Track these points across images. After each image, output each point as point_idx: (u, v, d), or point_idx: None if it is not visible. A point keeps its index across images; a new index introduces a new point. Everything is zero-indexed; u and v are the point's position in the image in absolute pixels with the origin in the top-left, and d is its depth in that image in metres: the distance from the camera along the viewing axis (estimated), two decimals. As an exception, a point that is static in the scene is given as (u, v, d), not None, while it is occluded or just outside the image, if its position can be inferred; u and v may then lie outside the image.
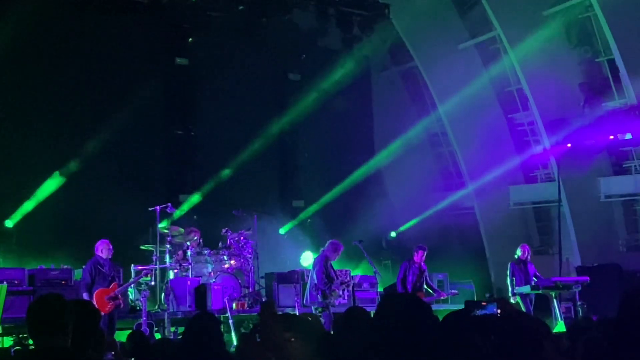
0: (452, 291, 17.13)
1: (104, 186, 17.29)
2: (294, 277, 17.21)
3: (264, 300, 15.50)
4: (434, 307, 16.95)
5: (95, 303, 12.86)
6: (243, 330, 13.95)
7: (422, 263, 15.40)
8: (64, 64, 17.35)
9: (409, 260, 15.38)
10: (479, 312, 5.45)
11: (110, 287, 13.54)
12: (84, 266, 13.63)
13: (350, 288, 15.10)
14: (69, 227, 16.68)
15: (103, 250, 13.69)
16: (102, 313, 13.07)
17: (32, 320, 4.60)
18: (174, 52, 19.12)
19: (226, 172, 19.07)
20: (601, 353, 5.48)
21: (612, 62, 19.42)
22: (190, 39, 19.21)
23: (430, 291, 15.43)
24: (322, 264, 13.95)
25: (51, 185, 16.78)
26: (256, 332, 4.11)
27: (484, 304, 5.44)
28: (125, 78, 17.87)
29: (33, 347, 4.75)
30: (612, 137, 18.90)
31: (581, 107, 20.32)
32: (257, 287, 16.96)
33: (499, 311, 5.29)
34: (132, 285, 15.22)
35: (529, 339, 4.71)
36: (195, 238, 16.09)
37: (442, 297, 15.98)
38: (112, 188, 17.28)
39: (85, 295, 13.00)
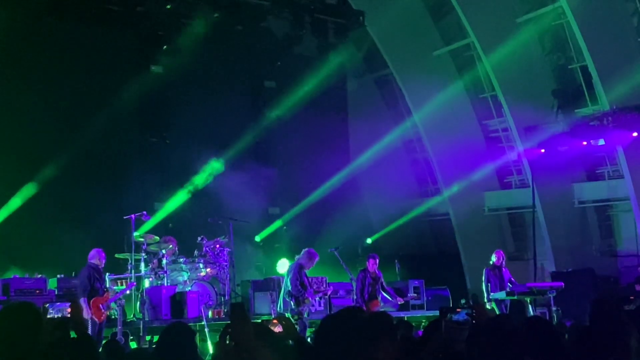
0: (411, 295, 17.15)
1: (78, 194, 17.17)
2: (270, 284, 17.17)
3: (233, 302, 15.40)
4: (409, 313, 17.03)
5: (91, 310, 12.82)
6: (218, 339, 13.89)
7: (377, 271, 15.34)
8: (39, 72, 17.25)
9: (364, 270, 15.33)
10: (453, 318, 5.45)
11: (104, 295, 13.43)
12: (81, 272, 13.30)
13: (327, 296, 15.08)
14: (42, 235, 16.55)
15: (99, 258, 13.57)
16: (97, 321, 13.03)
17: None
18: (149, 60, 19.04)
19: (201, 180, 19.01)
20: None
21: (585, 69, 19.61)
22: (165, 47, 19.12)
23: (388, 297, 15.36)
24: (297, 271, 13.95)
25: (25, 193, 16.65)
26: (226, 335, 4.10)
27: (458, 310, 5.44)
28: (100, 86, 17.80)
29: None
30: (585, 143, 19.06)
31: (555, 113, 20.50)
32: (233, 295, 16.91)
33: (472, 320, 5.30)
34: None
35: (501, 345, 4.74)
36: (171, 247, 16.00)
37: (400, 302, 15.93)
38: (87, 196, 17.17)
39: (83, 301, 12.80)
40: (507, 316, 8.16)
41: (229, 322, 4.40)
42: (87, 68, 17.84)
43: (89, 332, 12.31)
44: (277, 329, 5.83)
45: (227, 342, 4.13)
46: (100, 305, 13.19)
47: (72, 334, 6.18)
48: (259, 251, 20.25)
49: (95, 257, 13.50)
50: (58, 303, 13.30)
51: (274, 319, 8.66)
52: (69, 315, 8.13)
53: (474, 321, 5.27)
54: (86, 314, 12.63)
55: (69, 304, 6.25)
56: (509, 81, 20.35)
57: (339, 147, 22.70)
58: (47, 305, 6.05)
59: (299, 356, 5.42)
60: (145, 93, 18.73)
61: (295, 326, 6.38)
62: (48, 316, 6.22)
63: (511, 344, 4.68)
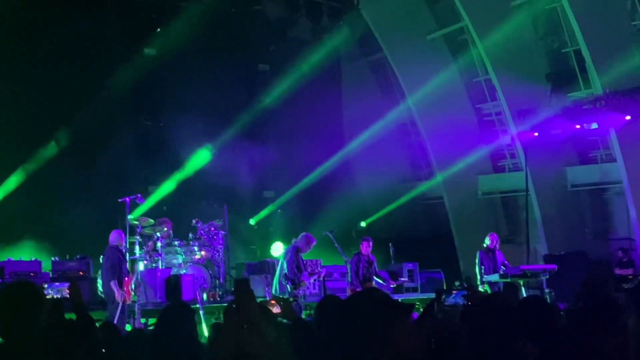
0: (402, 279, 17.22)
1: (72, 178, 17.16)
2: (265, 267, 17.25)
3: (237, 278, 15.45)
4: (403, 296, 17.11)
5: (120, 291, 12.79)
6: (214, 321, 13.94)
7: (370, 255, 15.39)
8: (32, 55, 17.19)
9: (358, 253, 15.38)
10: (448, 300, 5.51)
11: (129, 277, 13.45)
12: (107, 255, 13.13)
13: (321, 278, 15.15)
14: (37, 219, 16.55)
15: (120, 240, 13.54)
16: (126, 302, 13.03)
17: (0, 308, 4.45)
18: (143, 42, 18.98)
19: (195, 163, 19.03)
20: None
21: (578, 53, 19.59)
22: (159, 30, 19.07)
23: (381, 281, 15.43)
24: (293, 254, 14.03)
25: (19, 176, 16.64)
26: (231, 312, 4.11)
27: (454, 292, 5.51)
28: (93, 69, 17.75)
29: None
30: (578, 127, 19.09)
31: (548, 97, 20.51)
32: (227, 278, 16.96)
33: (467, 302, 5.35)
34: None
35: (498, 325, 4.77)
36: (166, 229, 16.00)
37: (392, 286, 15.97)
38: (81, 179, 17.17)
39: (114, 284, 12.81)
40: (500, 295, 8.18)
41: (231, 300, 4.41)
42: (80, 51, 17.75)
43: (118, 313, 12.44)
44: (275, 309, 5.87)
45: (232, 319, 4.15)
46: (128, 287, 13.21)
47: (68, 316, 6.20)
48: (254, 234, 20.30)
49: (117, 239, 13.47)
50: (57, 283, 13.40)
51: (271, 299, 8.71)
52: (65, 296, 8.14)
53: (468, 302, 5.30)
54: (118, 296, 12.64)
55: (68, 284, 6.24)
56: (503, 65, 20.34)
57: (333, 131, 22.72)
58: (45, 285, 6.01)
59: (296, 336, 5.46)
60: (138, 76, 18.66)
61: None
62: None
63: (505, 323, 4.71)
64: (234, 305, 4.10)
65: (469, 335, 4.82)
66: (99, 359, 6.20)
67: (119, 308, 12.52)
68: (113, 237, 13.43)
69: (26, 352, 4.36)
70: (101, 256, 15.49)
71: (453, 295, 5.69)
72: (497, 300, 5.10)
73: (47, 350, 4.54)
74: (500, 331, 4.64)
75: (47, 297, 6.91)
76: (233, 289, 5.00)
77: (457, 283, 18.15)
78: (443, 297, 5.52)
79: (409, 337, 3.56)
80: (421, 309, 8.41)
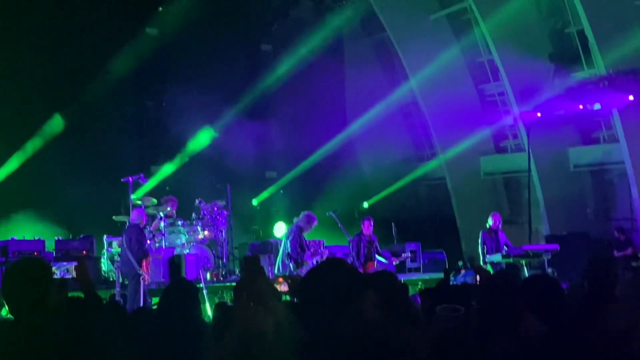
0: (404, 255, 17.20)
1: (75, 157, 17.18)
2: (268, 247, 17.28)
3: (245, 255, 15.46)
4: (406, 276, 17.12)
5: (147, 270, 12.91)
6: (218, 300, 13.99)
7: (371, 234, 15.41)
8: (33, 34, 17.12)
9: (359, 233, 15.39)
10: (456, 280, 5.52)
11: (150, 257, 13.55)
12: (132, 235, 13.19)
13: (324, 258, 15.17)
14: (40, 198, 16.58)
15: (142, 219, 13.60)
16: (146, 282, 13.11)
17: (10, 284, 4.44)
18: (144, 21, 18.91)
19: (198, 143, 19.02)
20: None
21: (581, 33, 19.52)
22: (160, 8, 19.00)
23: (383, 260, 15.45)
24: (296, 234, 14.07)
25: (21, 156, 16.65)
26: (241, 289, 4.11)
27: (462, 271, 5.53)
28: (95, 49, 17.68)
29: (7, 316, 4.63)
30: (581, 107, 19.07)
31: (551, 77, 20.47)
32: (231, 258, 17.00)
33: (477, 278, 5.38)
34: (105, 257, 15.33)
35: (509, 303, 4.80)
36: (170, 209, 16.01)
37: (395, 263, 15.97)
38: (84, 159, 17.19)
39: (144, 264, 12.91)
40: (507, 273, 8.21)
41: (229, 285, 4.42)
42: (82, 31, 17.70)
43: (141, 291, 12.53)
44: (283, 287, 5.90)
45: (241, 296, 4.16)
46: (150, 266, 13.30)
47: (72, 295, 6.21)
48: (256, 215, 20.32)
49: (139, 217, 13.54)
50: (64, 262, 13.44)
51: (279, 277, 8.74)
52: (70, 275, 8.14)
53: (479, 280, 5.33)
54: (146, 275, 12.73)
55: (75, 263, 6.24)
56: (506, 45, 20.26)
57: (335, 111, 22.69)
58: (51, 263, 6.00)
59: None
60: (140, 55, 18.62)
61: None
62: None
63: (512, 300, 4.75)
64: (244, 282, 4.11)
65: (479, 312, 4.84)
66: (106, 338, 6.20)
67: (142, 286, 12.64)
68: (134, 216, 13.56)
69: (37, 330, 4.36)
70: (106, 236, 15.65)
71: (462, 274, 5.71)
72: (505, 278, 5.14)
73: (57, 328, 4.55)
74: (508, 307, 4.68)
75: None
76: (243, 265, 5.01)
77: (460, 263, 18.15)
78: (451, 276, 5.53)
79: (374, 309, 3.61)
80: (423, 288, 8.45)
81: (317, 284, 3.68)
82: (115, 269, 14.01)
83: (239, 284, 4.29)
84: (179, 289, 6.21)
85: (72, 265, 13.24)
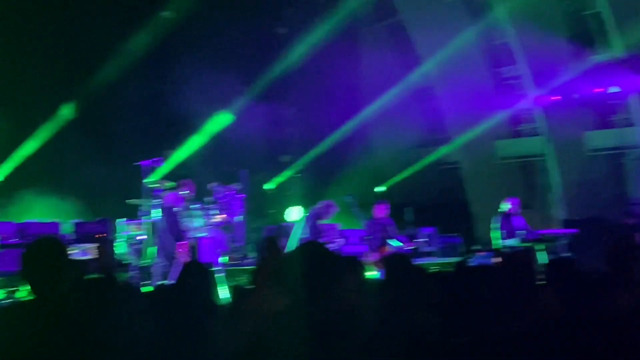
0: (419, 240, 17.12)
1: (91, 140, 17.19)
2: (282, 231, 17.28)
3: (266, 236, 15.47)
4: (422, 260, 17.08)
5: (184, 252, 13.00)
6: (233, 284, 14.01)
7: (387, 218, 15.34)
8: (48, 16, 17.10)
9: (373, 218, 15.32)
10: (475, 261, 5.49)
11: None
12: (170, 218, 13.31)
13: (338, 247, 15.18)
14: (56, 181, 16.63)
15: (176, 201, 13.69)
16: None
17: (29, 264, 4.49)
18: (159, 4, 18.86)
19: (213, 127, 19.02)
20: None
21: (598, 15, 19.37)
22: (175, -9, 18.97)
23: (398, 243, 15.36)
24: (314, 220, 14.05)
25: (37, 139, 16.70)
26: (260, 270, 4.09)
27: (482, 253, 5.51)
28: (110, 32, 17.64)
29: (26, 297, 4.64)
30: (598, 90, 18.95)
31: (567, 60, 20.32)
32: (246, 242, 17.01)
33: (496, 260, 5.37)
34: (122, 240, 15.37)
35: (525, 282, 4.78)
36: (188, 192, 15.98)
37: (411, 247, 15.87)
38: (100, 142, 17.22)
39: (181, 246, 13.00)
40: (523, 252, 8.18)
41: (244, 269, 4.41)
42: (95, 13, 17.66)
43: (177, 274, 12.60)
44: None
45: (263, 277, 4.14)
46: (184, 248, 13.38)
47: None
48: (270, 199, 20.33)
49: (174, 200, 13.63)
50: (85, 244, 13.52)
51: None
52: (89, 256, 8.18)
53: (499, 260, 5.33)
54: (183, 256, 12.81)
55: (97, 245, 6.27)
56: (522, 28, 20.13)
57: (349, 95, 22.60)
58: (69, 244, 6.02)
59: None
60: (155, 39, 18.60)
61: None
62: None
63: (529, 278, 4.74)
64: (262, 263, 4.10)
65: (493, 292, 4.83)
66: (121, 318, 6.21)
67: (176, 267, 12.70)
68: (169, 198, 13.58)
69: (55, 309, 4.39)
70: (122, 219, 15.67)
71: (480, 255, 5.67)
72: (521, 258, 5.14)
73: (74, 308, 4.56)
74: (523, 287, 4.67)
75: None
76: (261, 247, 5.00)
77: (475, 247, 18.12)
78: (469, 258, 5.52)
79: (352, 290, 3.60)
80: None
81: (292, 269, 3.66)
82: (132, 251, 14.02)
83: (258, 265, 4.28)
84: (192, 270, 6.22)
85: (90, 246, 13.31)
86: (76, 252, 13.65)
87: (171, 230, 13.15)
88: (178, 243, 13.00)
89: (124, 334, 5.32)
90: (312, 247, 3.89)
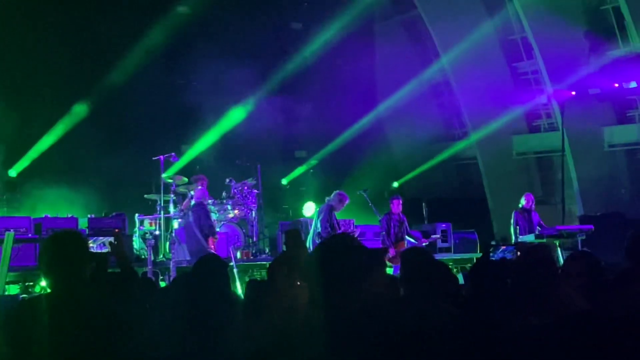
0: (434, 236, 17.03)
1: (106, 136, 17.22)
2: (297, 226, 17.21)
3: (289, 228, 15.45)
4: (437, 256, 16.99)
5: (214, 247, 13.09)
6: (248, 279, 13.98)
7: (401, 214, 15.22)
8: (64, 13, 17.13)
9: (388, 212, 15.23)
10: (495, 255, 5.44)
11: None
12: (202, 213, 13.34)
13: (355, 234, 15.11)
14: (72, 176, 16.66)
15: (205, 197, 13.82)
16: None
17: (48, 257, 4.39)
18: (175, 0, 18.86)
19: (228, 122, 19.03)
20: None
21: (617, 10, 19.22)
22: (191, -13, 18.96)
23: (412, 240, 15.28)
24: (327, 213, 13.96)
25: (54, 135, 16.74)
26: (282, 263, 4.04)
27: (503, 247, 5.45)
28: (127, 27, 17.65)
29: (44, 291, 4.59)
30: (616, 85, 18.79)
31: (586, 55, 20.17)
32: (261, 237, 16.99)
33: (517, 253, 5.32)
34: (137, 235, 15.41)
35: (544, 277, 4.73)
36: (200, 187, 16.00)
37: (424, 244, 15.74)
38: (115, 137, 17.24)
39: (211, 241, 13.07)
40: (542, 247, 8.11)
41: (259, 264, 4.37)
42: (113, 10, 17.68)
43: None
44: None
45: (281, 271, 4.10)
46: (214, 244, 13.44)
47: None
48: (286, 194, 20.29)
49: (202, 196, 13.68)
50: (101, 237, 13.55)
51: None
52: (107, 249, 8.12)
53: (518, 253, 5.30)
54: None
55: (112, 237, 6.24)
56: (540, 22, 19.97)
57: (365, 90, 22.54)
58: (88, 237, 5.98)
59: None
60: (171, 34, 18.60)
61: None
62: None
63: (551, 270, 4.70)
64: (284, 257, 4.04)
65: (518, 283, 4.79)
66: (140, 311, 6.19)
67: None
68: (198, 194, 13.65)
69: (73, 302, 4.33)
70: (137, 214, 15.66)
71: (502, 249, 5.64)
72: (541, 252, 5.09)
73: (93, 301, 4.52)
74: (543, 280, 4.62)
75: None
76: (284, 240, 4.95)
77: (493, 242, 18.03)
78: (491, 252, 5.46)
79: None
80: (454, 269, 8.37)
81: (326, 263, 3.58)
82: (147, 246, 14.03)
83: (280, 258, 4.23)
84: (209, 263, 6.20)
85: (108, 240, 13.35)
86: (94, 246, 13.71)
87: (203, 225, 13.21)
88: (210, 238, 13.07)
89: (144, 327, 5.30)
90: (343, 240, 3.83)
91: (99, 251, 12.59)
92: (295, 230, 4.10)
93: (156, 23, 18.16)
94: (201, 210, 13.40)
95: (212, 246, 13.04)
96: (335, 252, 3.64)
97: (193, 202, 14.10)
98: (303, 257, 4.09)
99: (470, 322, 4.27)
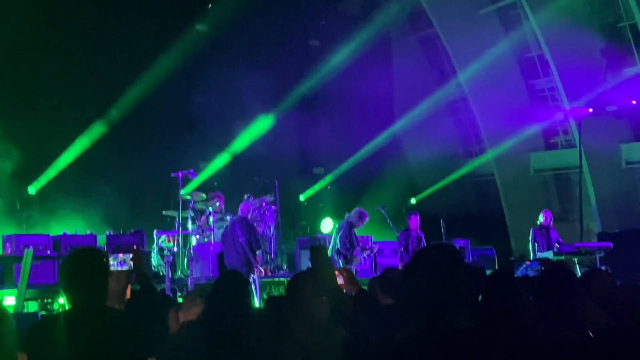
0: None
1: (125, 153, 17.32)
2: (316, 242, 17.20)
3: (316, 244, 15.51)
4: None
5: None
6: (266, 295, 13.99)
7: (419, 230, 15.24)
8: (83, 31, 17.26)
9: (406, 229, 15.25)
10: (519, 272, 5.44)
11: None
12: (247, 229, 13.53)
13: (374, 253, 15.10)
14: (90, 193, 16.73)
15: (249, 212, 14.01)
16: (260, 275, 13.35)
17: (68, 274, 4.40)
18: (194, 18, 19.00)
19: (246, 139, 19.12)
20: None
21: (634, 27, 19.22)
22: (210, 5, 19.11)
23: None
24: (347, 229, 14.00)
25: (73, 152, 16.84)
26: (308, 280, 4.06)
27: (527, 262, 5.47)
28: (146, 45, 17.77)
29: (65, 307, 4.57)
30: (634, 102, 18.75)
31: (603, 72, 20.15)
32: (279, 253, 17.00)
33: (542, 269, 5.33)
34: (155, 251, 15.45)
35: (569, 294, 4.73)
36: (218, 204, 16.07)
37: None
38: (133, 154, 17.31)
39: (259, 256, 13.21)
40: (567, 264, 8.13)
41: (277, 280, 4.38)
42: (131, 27, 17.77)
43: (256, 285, 12.75)
44: (339, 280, 5.84)
45: (307, 287, 4.11)
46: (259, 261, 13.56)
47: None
48: (304, 210, 20.32)
49: (247, 211, 13.79)
50: (120, 254, 13.58)
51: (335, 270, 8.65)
52: (128, 266, 8.18)
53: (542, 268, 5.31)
54: (257, 270, 12.94)
55: (131, 254, 6.27)
56: (556, 40, 20.01)
57: (383, 107, 22.60)
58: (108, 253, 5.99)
59: (359, 306, 5.43)
60: (190, 52, 18.69)
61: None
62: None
63: (575, 288, 4.70)
64: (310, 273, 4.05)
65: (537, 301, 4.79)
66: (160, 328, 6.21)
67: (257, 282, 12.81)
68: (244, 209, 13.72)
69: (92, 320, 4.33)
70: (156, 231, 15.70)
71: (524, 266, 5.60)
72: (565, 267, 5.10)
73: (112, 318, 4.52)
74: (567, 296, 4.63)
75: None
76: (310, 256, 4.96)
77: (512, 259, 17.98)
78: (513, 267, 5.48)
79: None
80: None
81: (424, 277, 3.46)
82: (165, 263, 14.07)
83: (305, 274, 4.24)
84: (230, 280, 6.19)
85: (127, 257, 13.40)
86: (114, 264, 13.74)
87: (252, 239, 13.30)
88: (254, 253, 13.16)
89: (165, 344, 5.30)
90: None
91: (120, 269, 12.63)
92: (322, 246, 4.11)
93: (175, 41, 18.28)
94: (250, 225, 13.59)
95: (259, 260, 13.14)
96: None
97: (237, 215, 14.16)
98: (329, 273, 4.10)
99: (495, 337, 4.28)
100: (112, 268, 6.24)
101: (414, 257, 3.62)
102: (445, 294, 3.38)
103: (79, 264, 4.46)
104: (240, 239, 13.35)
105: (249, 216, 13.99)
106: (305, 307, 4.03)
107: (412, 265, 3.56)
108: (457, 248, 3.29)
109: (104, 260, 4.57)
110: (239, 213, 14.05)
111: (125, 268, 5.73)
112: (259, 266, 13.11)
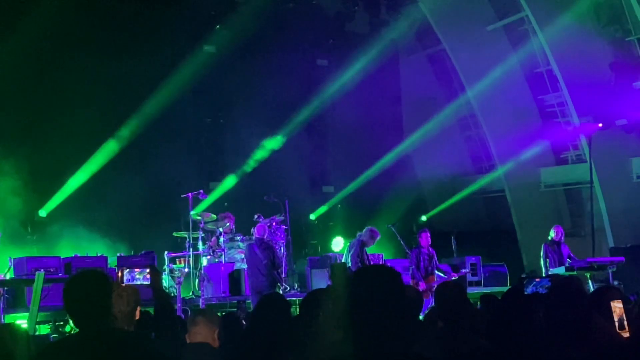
0: (463, 270, 16.97)
1: (134, 174, 17.34)
2: (327, 261, 17.21)
3: (336, 262, 15.62)
4: (467, 290, 16.86)
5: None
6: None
7: (430, 247, 15.20)
8: (92, 52, 17.33)
9: (417, 246, 15.21)
10: (530, 289, 5.40)
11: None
12: (263, 249, 13.73)
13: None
14: (100, 215, 16.77)
15: (265, 233, 14.19)
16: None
17: (71, 297, 4.36)
18: (202, 39, 19.09)
19: (255, 159, 19.16)
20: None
21: (643, 41, 19.23)
22: (218, 26, 19.21)
23: (442, 274, 15.22)
24: (358, 247, 14.01)
25: (83, 173, 16.89)
26: (327, 298, 4.03)
27: (537, 279, 5.42)
28: (153, 66, 17.85)
29: (74, 330, 4.51)
30: (644, 116, 18.73)
31: (612, 86, 20.12)
32: (290, 273, 16.98)
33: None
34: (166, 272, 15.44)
35: (578, 309, 4.71)
36: (228, 224, 16.10)
37: (454, 278, 15.65)
38: (143, 176, 17.34)
39: (276, 275, 13.46)
40: (575, 278, 8.07)
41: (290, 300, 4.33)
42: (140, 49, 17.85)
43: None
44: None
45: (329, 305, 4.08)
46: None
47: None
48: (314, 229, 20.31)
49: (264, 232, 14.10)
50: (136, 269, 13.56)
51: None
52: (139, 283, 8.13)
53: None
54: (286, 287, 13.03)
55: (148, 270, 6.24)
56: (565, 55, 20.00)
57: (392, 124, 22.63)
58: (125, 269, 5.93)
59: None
60: (198, 73, 18.77)
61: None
62: (124, 283, 6.16)
63: (583, 302, 4.69)
64: (329, 291, 4.03)
65: (547, 318, 4.77)
66: (176, 349, 6.15)
67: None
68: (260, 230, 13.82)
69: (101, 342, 4.27)
70: (166, 252, 15.71)
71: (534, 283, 5.53)
72: (574, 283, 5.09)
73: (125, 339, 4.50)
74: (577, 313, 4.61)
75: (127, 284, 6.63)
76: (330, 274, 4.94)
77: (523, 275, 17.87)
78: (524, 285, 5.43)
79: None
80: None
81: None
82: (176, 284, 14.07)
83: (324, 292, 4.20)
84: (272, 302, 6.11)
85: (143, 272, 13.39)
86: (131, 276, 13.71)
87: (274, 262, 13.42)
88: (279, 274, 13.30)
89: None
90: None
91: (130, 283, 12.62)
92: (343, 264, 4.09)
93: (184, 62, 18.37)
94: (270, 247, 13.77)
95: (280, 282, 13.28)
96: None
97: (254, 236, 14.28)
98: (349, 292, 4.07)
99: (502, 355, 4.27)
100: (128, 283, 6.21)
101: (353, 280, 3.59)
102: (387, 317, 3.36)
103: (81, 287, 4.43)
104: (263, 262, 13.45)
105: (265, 237, 14.03)
106: (322, 326, 3.99)
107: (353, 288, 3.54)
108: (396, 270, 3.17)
109: (106, 280, 4.52)
110: (255, 234, 14.10)
111: (145, 283, 5.68)
112: (284, 284, 13.19)
